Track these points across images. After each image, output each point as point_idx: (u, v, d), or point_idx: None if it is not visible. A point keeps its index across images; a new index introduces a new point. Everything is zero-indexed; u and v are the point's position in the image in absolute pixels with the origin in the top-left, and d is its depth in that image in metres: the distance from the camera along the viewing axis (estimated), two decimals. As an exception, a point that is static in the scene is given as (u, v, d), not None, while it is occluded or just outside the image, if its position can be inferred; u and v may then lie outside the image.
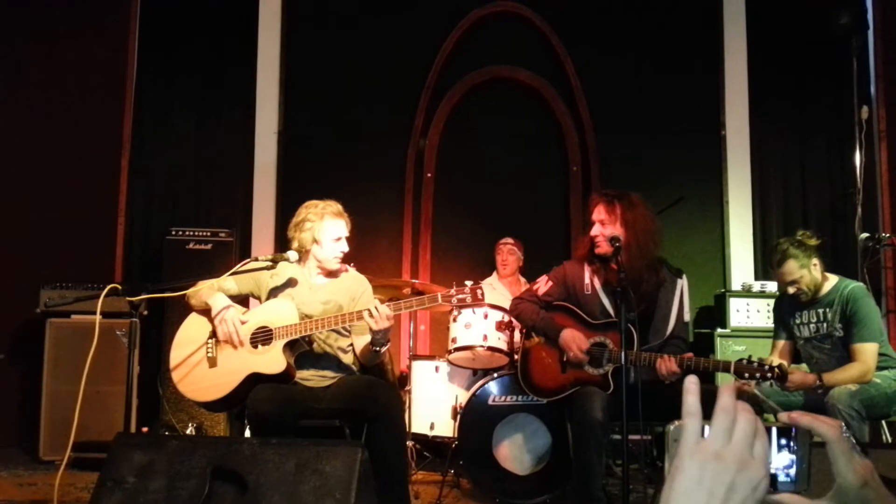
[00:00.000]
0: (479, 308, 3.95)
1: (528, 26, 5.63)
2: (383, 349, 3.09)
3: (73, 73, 5.34)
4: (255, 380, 2.98)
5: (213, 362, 3.07)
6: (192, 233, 5.03)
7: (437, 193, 5.52)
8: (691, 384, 0.74)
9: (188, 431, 4.45)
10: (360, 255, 5.00)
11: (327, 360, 3.19)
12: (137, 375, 4.64)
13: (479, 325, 3.91)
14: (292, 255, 3.16)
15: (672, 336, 3.18)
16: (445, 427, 4.11)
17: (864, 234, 3.46)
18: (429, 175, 5.51)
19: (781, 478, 0.78)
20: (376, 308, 2.89)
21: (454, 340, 3.97)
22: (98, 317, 2.79)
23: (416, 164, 5.52)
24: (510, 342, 3.91)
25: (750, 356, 2.98)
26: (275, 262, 3.08)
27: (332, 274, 3.29)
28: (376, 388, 3.06)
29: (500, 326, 3.90)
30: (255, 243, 5.42)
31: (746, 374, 2.91)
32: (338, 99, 5.57)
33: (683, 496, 0.69)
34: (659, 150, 5.47)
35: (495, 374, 3.86)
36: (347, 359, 3.26)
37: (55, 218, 5.17)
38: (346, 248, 3.24)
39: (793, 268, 3.33)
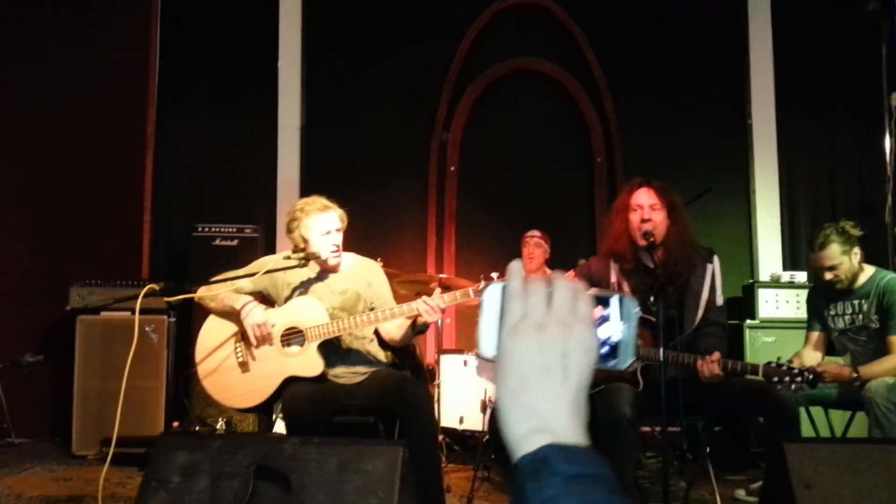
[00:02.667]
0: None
1: (550, 18, 5.58)
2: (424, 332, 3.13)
3: (95, 71, 5.36)
4: (290, 382, 2.99)
5: (245, 367, 3.07)
6: (217, 229, 5.06)
7: (461, 187, 5.51)
8: (513, 267, 0.70)
9: (218, 426, 4.49)
10: (384, 249, 5.03)
11: (357, 356, 3.19)
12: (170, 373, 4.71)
13: (508, 320, 3.90)
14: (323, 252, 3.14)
15: (708, 322, 3.13)
16: (475, 421, 4.12)
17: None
18: (452, 168, 5.50)
19: (605, 350, 0.73)
20: (424, 301, 2.90)
21: (483, 335, 3.97)
22: (137, 316, 2.79)
23: (440, 157, 5.51)
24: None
25: (779, 358, 2.92)
26: (307, 259, 3.07)
27: (336, 267, 3.23)
28: (406, 386, 3.05)
29: (530, 320, 3.89)
30: (279, 239, 5.43)
31: (776, 378, 2.84)
32: (359, 93, 5.56)
33: (519, 380, 0.64)
34: (684, 140, 5.42)
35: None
36: (374, 348, 3.25)
37: (82, 216, 5.22)
38: (338, 241, 3.13)
39: (835, 252, 3.28)
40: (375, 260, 3.47)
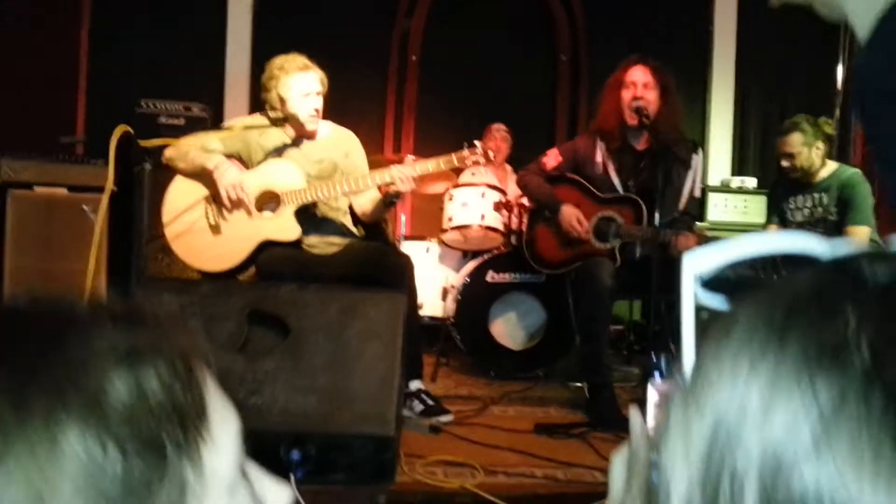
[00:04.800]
0: (477, 187, 3.91)
1: None
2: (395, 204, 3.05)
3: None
4: (265, 247, 2.89)
5: (216, 230, 2.93)
6: (163, 106, 4.77)
7: (422, 77, 5.34)
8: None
9: (167, 309, 4.33)
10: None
11: (331, 226, 3.10)
12: (107, 252, 4.46)
13: (477, 204, 3.87)
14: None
15: (682, 212, 3.19)
16: (435, 307, 4.12)
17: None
18: (413, 58, 5.32)
19: None
20: (398, 168, 2.82)
21: (450, 219, 3.93)
22: (111, 167, 2.60)
23: (401, 46, 5.31)
24: (507, 223, 3.89)
25: None
26: (285, 120, 2.92)
27: (313, 134, 3.09)
28: (386, 254, 3.02)
29: (498, 206, 3.87)
30: (228, 119, 5.17)
31: None
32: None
33: None
34: (649, 43, 5.38)
35: (491, 252, 3.87)
36: (348, 220, 3.17)
37: (10, 92, 4.80)
38: (318, 105, 2.98)
39: (796, 141, 3.37)
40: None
